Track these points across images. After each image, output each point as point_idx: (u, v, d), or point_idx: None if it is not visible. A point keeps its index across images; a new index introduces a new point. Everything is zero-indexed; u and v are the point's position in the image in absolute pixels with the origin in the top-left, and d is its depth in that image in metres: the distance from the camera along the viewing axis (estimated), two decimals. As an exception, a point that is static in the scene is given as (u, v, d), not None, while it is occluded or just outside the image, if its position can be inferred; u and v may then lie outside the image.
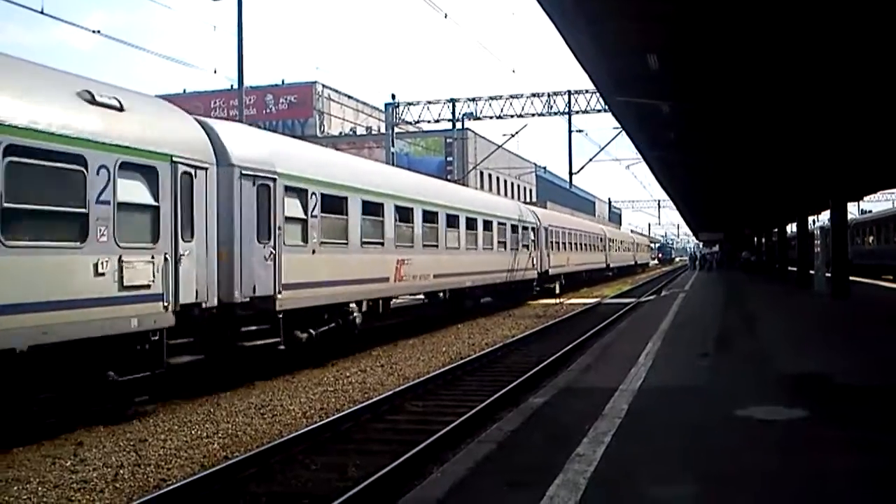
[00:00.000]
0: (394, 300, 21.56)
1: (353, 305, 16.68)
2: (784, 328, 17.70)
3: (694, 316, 21.50)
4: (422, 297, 25.39)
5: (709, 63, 12.76)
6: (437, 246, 22.05)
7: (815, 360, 12.03)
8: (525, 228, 32.23)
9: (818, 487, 5.81)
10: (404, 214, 19.92)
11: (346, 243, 16.55)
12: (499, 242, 28.30)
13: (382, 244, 18.38)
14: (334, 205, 16.12)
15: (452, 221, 23.61)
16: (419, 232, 20.82)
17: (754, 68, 12.63)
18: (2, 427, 9.15)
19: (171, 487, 7.52)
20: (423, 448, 8.64)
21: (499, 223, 28.39)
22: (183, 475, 8.18)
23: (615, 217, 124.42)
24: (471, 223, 25.33)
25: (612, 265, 58.21)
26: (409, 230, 20.24)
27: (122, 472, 8.33)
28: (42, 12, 17.65)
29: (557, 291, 36.65)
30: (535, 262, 33.23)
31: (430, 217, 21.71)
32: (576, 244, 44.31)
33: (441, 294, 24.60)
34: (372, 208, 17.89)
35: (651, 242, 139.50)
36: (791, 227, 45.31)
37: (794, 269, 38.80)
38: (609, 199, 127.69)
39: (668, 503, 5.55)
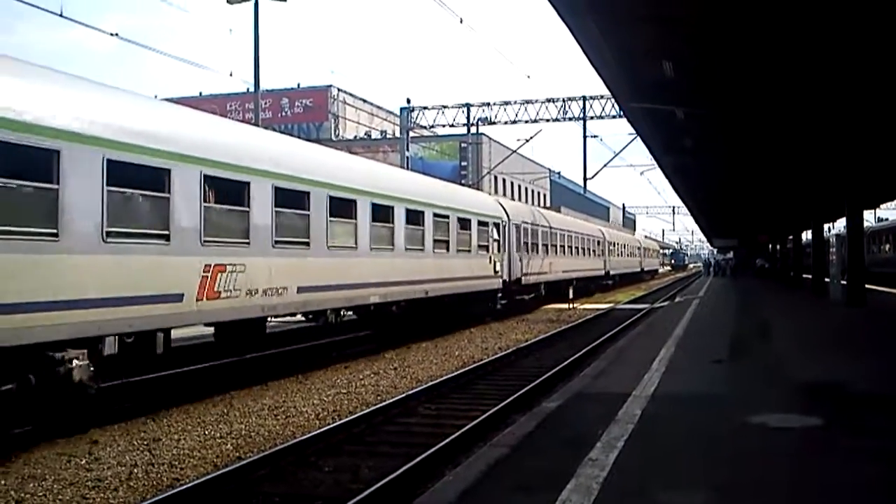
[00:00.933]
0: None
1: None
2: (798, 336, 17.60)
3: (708, 322, 21.42)
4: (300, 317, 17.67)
5: (724, 69, 12.73)
6: (307, 244, 14.53)
7: (830, 368, 11.96)
8: (483, 224, 24.93)
9: (834, 497, 5.78)
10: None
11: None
12: (435, 241, 20.76)
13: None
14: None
15: (343, 208, 15.91)
16: (264, 220, 13.22)
17: (771, 74, 12.59)
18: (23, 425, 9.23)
19: (185, 487, 7.55)
20: (435, 451, 8.65)
21: (435, 215, 20.76)
22: (196, 475, 8.22)
23: (629, 223, 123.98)
24: (381, 212, 17.59)
25: (612, 272, 51.59)
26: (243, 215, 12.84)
27: (135, 470, 8.39)
28: (61, 15, 17.70)
29: (571, 297, 35.63)
30: (498, 267, 26.17)
31: (294, 198, 14.25)
32: (563, 247, 37.13)
33: (325, 315, 16.43)
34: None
35: (664, 248, 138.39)
36: (806, 235, 45.08)
37: (809, 276, 38.59)
38: (623, 204, 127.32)
39: (681, 509, 5.54)
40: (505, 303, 27.42)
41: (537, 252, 31.99)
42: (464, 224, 23.14)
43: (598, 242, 48.29)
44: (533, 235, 31.56)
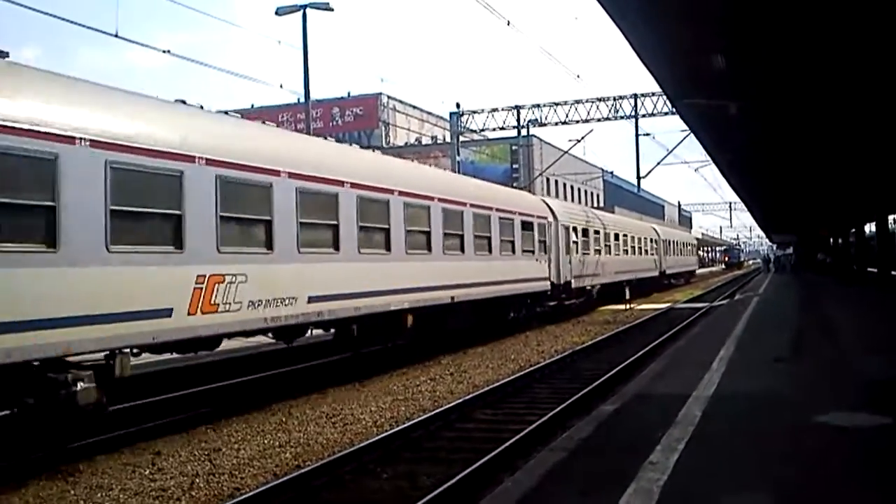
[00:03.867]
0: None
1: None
2: (864, 332, 17.11)
3: (768, 320, 20.98)
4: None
5: (777, 59, 12.45)
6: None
7: (898, 365, 11.59)
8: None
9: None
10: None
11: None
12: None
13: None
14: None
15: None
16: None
17: (827, 59, 12.28)
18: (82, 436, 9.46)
19: (245, 496, 7.63)
20: (493, 456, 8.61)
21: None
22: (256, 484, 8.31)
23: (685, 220, 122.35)
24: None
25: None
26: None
27: (197, 480, 8.51)
28: (117, 35, 18.14)
29: (628, 297, 34.95)
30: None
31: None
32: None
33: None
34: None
35: (719, 245, 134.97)
36: (870, 227, 43.89)
37: (874, 269, 37.55)
38: (679, 202, 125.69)
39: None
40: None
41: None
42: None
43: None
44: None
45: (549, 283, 25.26)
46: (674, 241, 54.84)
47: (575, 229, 29.03)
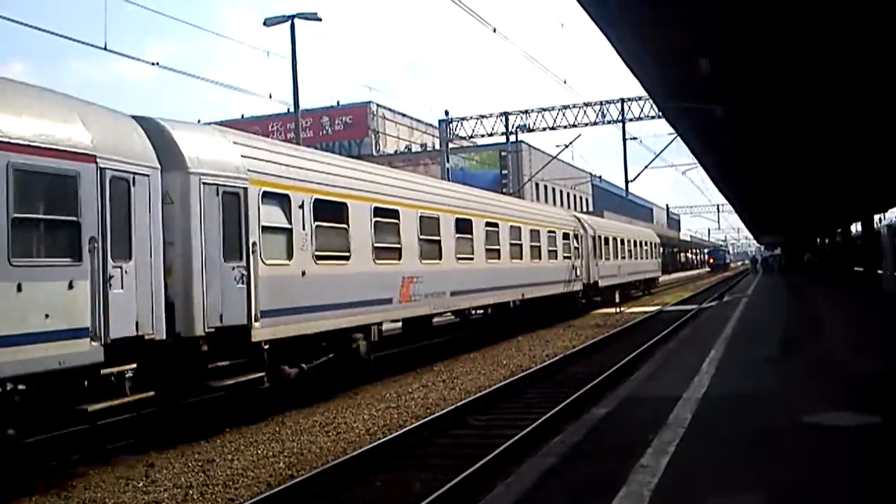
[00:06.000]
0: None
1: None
2: (852, 332, 17.26)
3: (757, 321, 21.12)
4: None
5: (762, 62, 12.56)
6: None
7: (886, 364, 11.69)
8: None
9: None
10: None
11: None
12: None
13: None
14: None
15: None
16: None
17: (811, 63, 12.39)
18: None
19: (240, 507, 7.65)
20: (486, 462, 8.64)
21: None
22: (250, 494, 8.31)
23: (673, 223, 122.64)
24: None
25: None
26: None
27: (191, 492, 8.51)
28: (105, 48, 18.13)
29: (618, 300, 35.52)
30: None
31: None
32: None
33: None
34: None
35: (705, 246, 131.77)
36: (856, 227, 44.12)
37: (860, 269, 37.76)
38: (667, 205, 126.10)
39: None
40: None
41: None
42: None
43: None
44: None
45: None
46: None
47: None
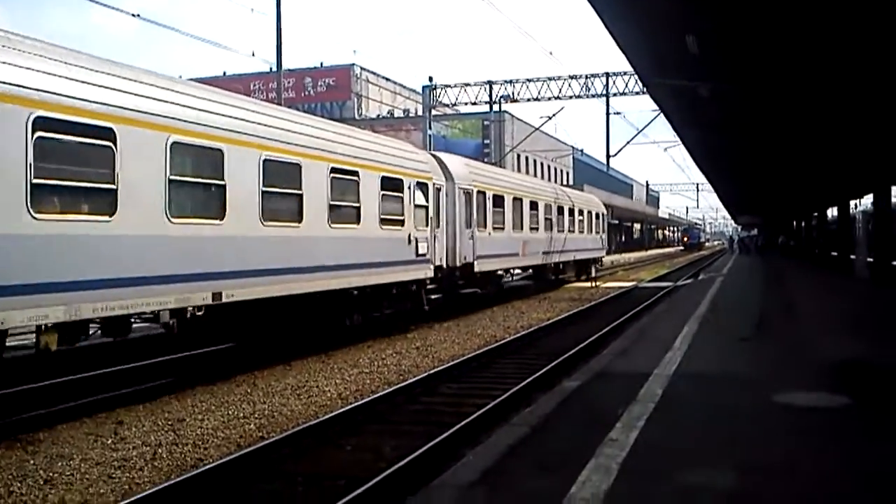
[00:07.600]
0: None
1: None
2: (824, 314, 17.43)
3: (731, 300, 21.29)
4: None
5: (749, 44, 12.53)
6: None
7: (857, 347, 11.83)
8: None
9: (864, 476, 5.73)
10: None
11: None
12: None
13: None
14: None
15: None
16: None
17: (796, 47, 12.38)
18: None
19: (208, 466, 7.63)
20: (456, 430, 8.68)
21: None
22: (219, 454, 8.31)
23: (653, 200, 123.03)
24: None
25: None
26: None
27: (160, 450, 8.49)
28: (84, -4, 17.75)
29: (593, 275, 35.25)
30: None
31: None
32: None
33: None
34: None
35: (679, 224, 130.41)
36: (832, 211, 44.48)
37: (835, 253, 38.16)
38: (647, 182, 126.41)
39: (701, 490, 5.50)
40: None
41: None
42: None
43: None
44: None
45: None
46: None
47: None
